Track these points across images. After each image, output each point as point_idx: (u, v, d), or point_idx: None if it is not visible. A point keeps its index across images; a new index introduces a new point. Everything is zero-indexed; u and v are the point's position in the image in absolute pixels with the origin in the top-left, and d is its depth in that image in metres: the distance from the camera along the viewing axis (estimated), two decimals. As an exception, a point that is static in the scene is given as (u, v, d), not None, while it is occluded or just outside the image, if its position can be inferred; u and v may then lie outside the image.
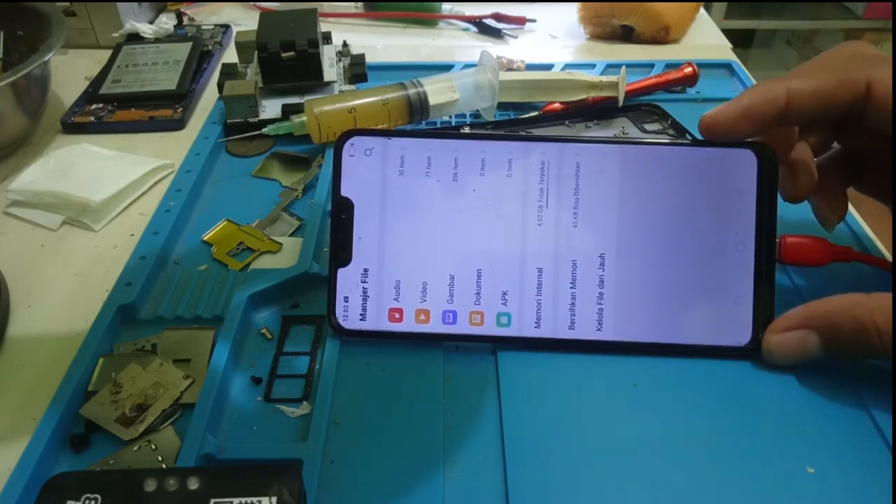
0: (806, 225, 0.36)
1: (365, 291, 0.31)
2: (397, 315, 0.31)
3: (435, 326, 0.31)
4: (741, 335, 0.30)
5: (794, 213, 0.35)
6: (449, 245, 0.31)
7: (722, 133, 0.29)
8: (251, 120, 0.47)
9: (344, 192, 0.31)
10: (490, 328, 0.31)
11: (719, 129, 0.29)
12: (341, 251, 0.31)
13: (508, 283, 0.31)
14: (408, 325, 0.31)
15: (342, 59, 0.54)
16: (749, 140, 0.30)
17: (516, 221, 0.31)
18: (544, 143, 0.31)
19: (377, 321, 0.31)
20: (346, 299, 0.31)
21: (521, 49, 0.62)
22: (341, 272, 0.31)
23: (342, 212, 0.31)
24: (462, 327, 0.31)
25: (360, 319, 0.31)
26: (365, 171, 0.31)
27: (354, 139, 0.31)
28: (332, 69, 0.51)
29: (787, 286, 0.34)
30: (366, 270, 0.31)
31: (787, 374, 0.30)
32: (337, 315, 0.31)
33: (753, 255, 0.30)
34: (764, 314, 0.30)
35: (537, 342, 0.31)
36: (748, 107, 0.29)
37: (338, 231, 0.31)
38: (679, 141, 0.31)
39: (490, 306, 0.31)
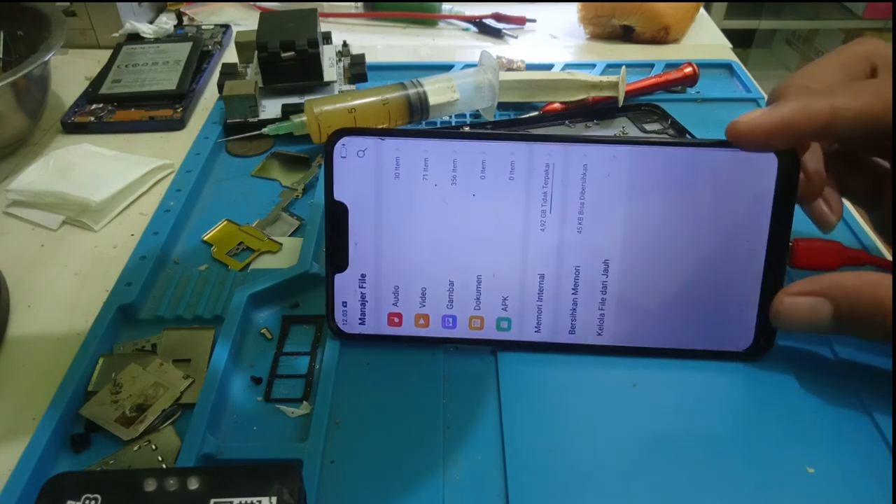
0: (808, 225, 0.35)
1: (363, 297, 0.31)
2: (396, 319, 0.31)
3: (434, 331, 0.31)
4: (742, 341, 0.30)
5: (800, 212, 0.35)
6: (448, 251, 0.30)
7: (755, 144, 0.28)
8: (251, 120, 0.47)
9: (337, 195, 0.30)
10: (490, 332, 0.31)
11: (754, 139, 0.27)
12: (337, 256, 0.30)
13: (509, 289, 0.30)
14: (407, 329, 0.31)
15: (342, 59, 0.54)
16: None
17: (518, 227, 0.30)
18: (549, 143, 0.29)
19: (377, 325, 0.31)
20: (344, 304, 0.31)
21: (521, 49, 0.62)
22: (338, 277, 0.30)
23: (336, 216, 0.30)
24: (462, 332, 0.31)
25: (360, 323, 0.31)
26: (358, 173, 0.29)
27: (346, 139, 0.29)
28: (332, 69, 0.51)
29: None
30: (363, 276, 0.30)
31: (787, 374, 0.30)
32: (336, 319, 0.31)
33: (764, 262, 0.29)
34: (768, 321, 0.29)
35: (537, 346, 0.31)
36: (788, 122, 0.27)
37: (333, 236, 0.30)
38: (695, 141, 0.30)
39: (490, 311, 0.30)
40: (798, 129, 0.27)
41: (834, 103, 0.27)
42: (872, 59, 0.30)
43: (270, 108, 0.47)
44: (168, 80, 0.52)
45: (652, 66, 0.54)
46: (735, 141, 0.28)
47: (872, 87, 0.27)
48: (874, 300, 0.26)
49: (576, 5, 0.63)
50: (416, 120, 0.45)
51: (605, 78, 0.47)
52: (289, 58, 0.47)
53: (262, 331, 0.33)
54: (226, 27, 0.64)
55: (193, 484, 0.22)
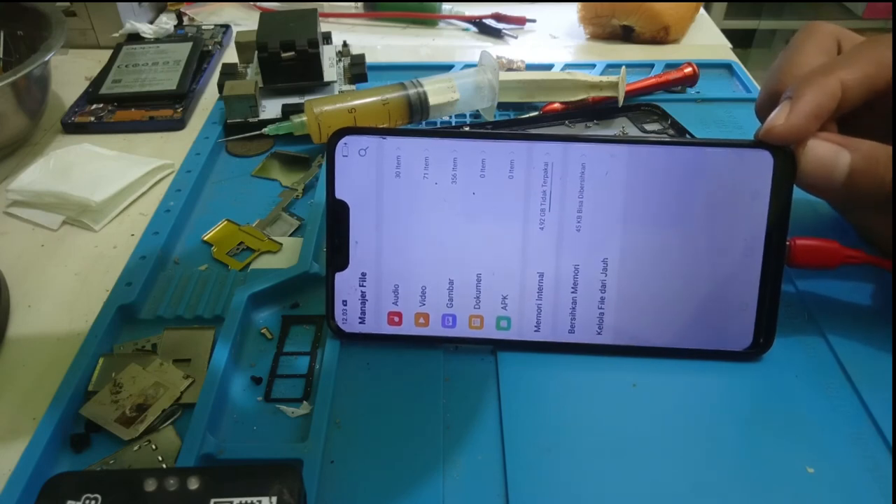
0: (814, 225, 0.35)
1: (363, 295, 0.31)
2: (396, 318, 0.31)
3: (434, 330, 0.31)
4: (742, 340, 0.30)
5: (800, 213, 0.35)
6: (448, 249, 0.30)
7: (797, 138, 0.28)
8: (251, 120, 0.47)
9: (338, 194, 0.30)
10: (489, 332, 0.31)
11: (796, 135, 0.28)
12: (338, 255, 0.30)
13: (508, 288, 0.30)
14: (407, 328, 0.31)
15: (342, 59, 0.54)
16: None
17: (517, 225, 0.30)
18: (548, 142, 0.29)
19: (376, 324, 0.31)
20: (344, 303, 0.31)
21: (521, 49, 0.62)
22: (339, 276, 0.31)
23: (337, 215, 0.30)
24: (461, 331, 0.31)
25: (360, 322, 0.31)
26: (359, 172, 0.30)
27: (347, 139, 0.29)
28: (332, 69, 0.51)
29: (788, 287, 0.34)
30: (363, 274, 0.30)
31: (787, 374, 0.30)
32: (336, 318, 0.31)
33: (762, 260, 0.29)
34: (767, 319, 0.29)
35: (536, 345, 0.31)
36: (817, 112, 0.28)
37: (333, 234, 0.30)
38: (692, 140, 0.30)
39: (490, 310, 0.30)
40: (825, 112, 0.28)
41: (840, 77, 0.28)
42: (836, 36, 0.32)
43: (270, 108, 0.47)
44: (168, 80, 0.52)
45: (652, 66, 0.54)
46: (775, 141, 0.28)
47: (864, 54, 0.29)
48: (889, 161, 0.27)
49: (576, 5, 0.63)
50: (416, 120, 0.45)
51: (605, 78, 0.47)
52: (289, 58, 0.47)
53: (262, 331, 0.33)
54: (226, 27, 0.64)
55: (193, 484, 0.22)
